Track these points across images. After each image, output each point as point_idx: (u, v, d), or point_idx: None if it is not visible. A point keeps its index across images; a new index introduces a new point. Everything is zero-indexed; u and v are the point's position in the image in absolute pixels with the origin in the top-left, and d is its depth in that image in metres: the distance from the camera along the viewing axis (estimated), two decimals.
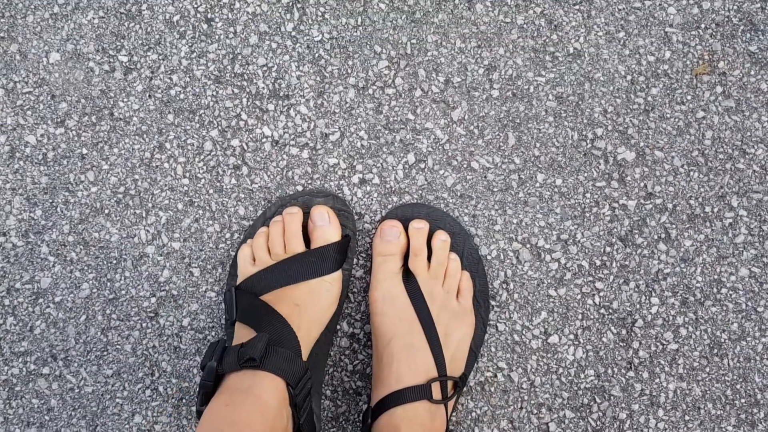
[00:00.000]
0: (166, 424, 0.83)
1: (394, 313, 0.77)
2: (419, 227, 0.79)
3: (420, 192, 0.84)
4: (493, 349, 0.84)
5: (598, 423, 0.84)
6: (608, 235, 0.84)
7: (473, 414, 0.84)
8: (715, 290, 0.84)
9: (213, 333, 0.83)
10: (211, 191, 0.84)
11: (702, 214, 0.84)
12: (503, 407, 0.84)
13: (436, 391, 0.75)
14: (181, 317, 0.83)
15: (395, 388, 0.74)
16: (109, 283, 0.83)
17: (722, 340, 0.84)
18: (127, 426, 0.83)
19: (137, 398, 0.84)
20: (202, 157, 0.84)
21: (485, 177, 0.84)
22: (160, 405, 0.84)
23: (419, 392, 0.74)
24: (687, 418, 0.83)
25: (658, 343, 0.84)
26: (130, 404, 0.84)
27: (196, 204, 0.84)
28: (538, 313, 0.84)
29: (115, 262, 0.83)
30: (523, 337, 0.84)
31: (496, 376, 0.84)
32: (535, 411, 0.84)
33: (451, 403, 0.79)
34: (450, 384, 0.78)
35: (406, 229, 0.81)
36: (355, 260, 0.84)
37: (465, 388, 0.84)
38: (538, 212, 0.84)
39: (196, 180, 0.84)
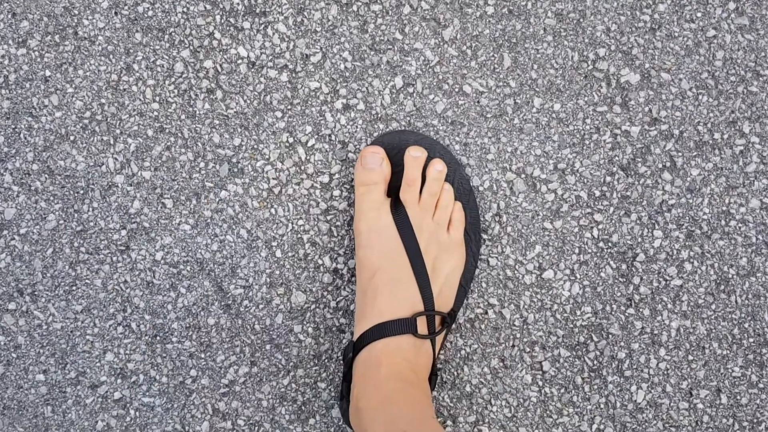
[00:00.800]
0: (139, 362, 0.79)
1: (379, 246, 0.72)
2: (416, 156, 0.73)
3: (408, 118, 0.78)
4: (483, 285, 0.79)
5: (595, 362, 0.79)
6: (609, 163, 0.78)
7: (462, 352, 0.79)
8: (723, 222, 0.78)
9: (188, 268, 0.79)
10: (183, 117, 0.78)
11: (710, 141, 0.78)
12: (494, 345, 0.79)
13: (422, 327, 0.71)
14: (154, 251, 0.79)
15: (378, 321, 0.70)
16: (76, 215, 0.78)
17: (730, 276, 0.79)
18: (98, 364, 0.79)
19: (108, 335, 0.79)
20: (172, 79, 0.78)
21: (478, 102, 0.78)
22: (132, 342, 0.79)
23: (403, 326, 0.70)
24: (690, 358, 0.79)
25: (661, 279, 0.79)
26: (101, 341, 0.79)
27: (167, 130, 0.78)
28: (532, 247, 0.79)
29: (82, 192, 0.78)
30: (515, 272, 0.79)
31: (486, 312, 0.79)
32: (527, 349, 0.79)
33: (438, 340, 0.75)
34: (438, 320, 0.74)
35: (393, 158, 0.75)
36: (337, 192, 0.78)
37: (454, 325, 0.79)
38: (535, 140, 0.78)
39: (167, 104, 0.78)
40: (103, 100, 0.78)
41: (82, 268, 0.79)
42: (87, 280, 0.79)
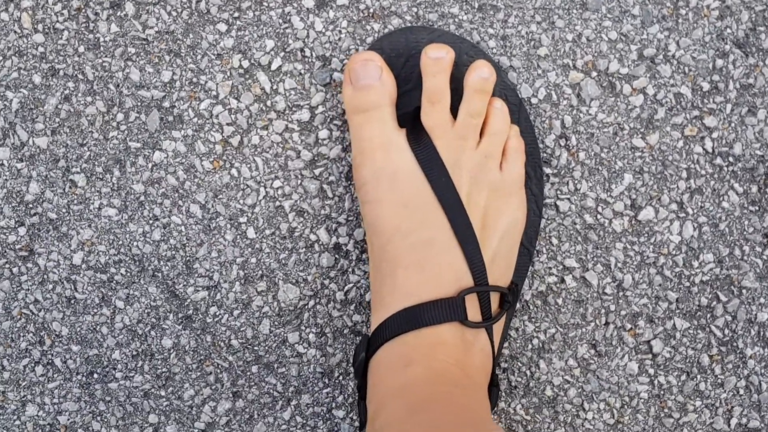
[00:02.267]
0: (74, 413, 0.55)
1: (394, 197, 0.48)
2: (439, 56, 0.48)
3: (415, 10, 0.53)
4: (554, 241, 0.54)
5: (726, 331, 0.55)
6: (718, 40, 0.53)
7: (535, 341, 0.55)
8: None
9: (122, 270, 0.54)
10: (81, 49, 0.52)
11: None
12: (579, 326, 0.55)
13: (472, 310, 0.46)
14: (70, 252, 0.54)
15: (405, 305, 0.46)
16: None
17: None
18: (17, 422, 0.55)
19: (25, 380, 0.55)
20: None
21: None
22: (61, 386, 0.55)
23: (445, 310, 0.47)
24: None
25: None
26: (16, 390, 0.55)
27: (61, 73, 0.53)
28: (618, 178, 0.54)
29: None
30: (599, 216, 0.54)
31: (563, 280, 0.54)
32: (628, 326, 0.55)
33: (497, 330, 0.50)
34: (495, 300, 0.49)
35: (402, 69, 0.50)
36: (325, 132, 0.53)
37: (518, 305, 0.54)
38: (606, 17, 0.53)
39: (56, 34, 0.52)
40: None
41: None
42: None
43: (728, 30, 0.53)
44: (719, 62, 0.53)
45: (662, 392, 0.56)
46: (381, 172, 0.48)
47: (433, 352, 0.47)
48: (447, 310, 0.47)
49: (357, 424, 0.56)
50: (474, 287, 0.48)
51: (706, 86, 0.53)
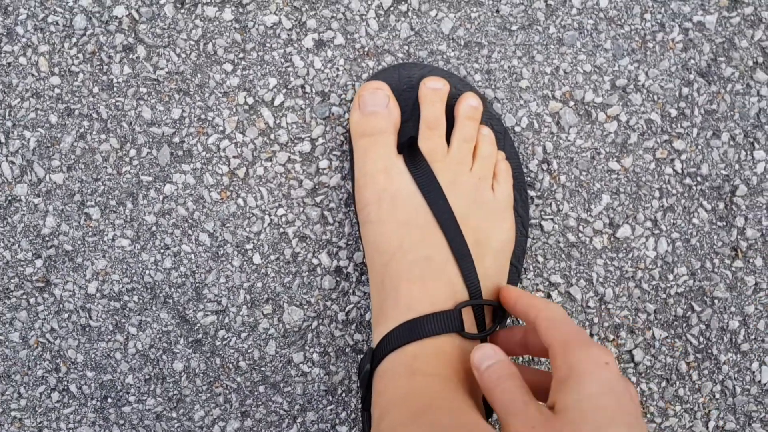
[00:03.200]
0: None
1: (396, 217, 0.51)
2: (437, 87, 0.53)
3: (406, 48, 0.57)
4: (540, 259, 0.58)
5: (701, 339, 0.59)
6: (683, 70, 0.58)
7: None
8: None
9: (135, 298, 0.57)
10: (96, 90, 0.56)
11: None
12: None
13: (468, 323, 0.51)
14: (85, 282, 0.57)
15: (406, 318, 0.49)
16: None
17: None
18: None
19: (41, 407, 0.57)
20: (74, 40, 0.56)
21: (497, 11, 0.57)
22: (76, 412, 0.57)
23: (444, 321, 0.50)
24: None
25: None
26: (33, 416, 0.57)
27: (77, 112, 0.56)
28: (597, 199, 0.58)
29: None
30: (580, 235, 0.58)
31: (549, 296, 0.58)
32: (611, 336, 0.58)
33: None
34: (488, 313, 0.53)
35: (399, 94, 0.54)
36: (325, 162, 0.57)
37: (508, 320, 0.58)
38: (580, 52, 0.57)
39: (71, 76, 0.56)
40: None
41: None
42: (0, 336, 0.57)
43: (692, 61, 0.58)
44: (685, 90, 0.58)
45: (645, 398, 0.59)
46: (383, 194, 0.52)
47: (434, 362, 0.50)
48: (445, 321, 0.51)
49: None
50: (470, 300, 0.51)
51: (673, 112, 0.58)
